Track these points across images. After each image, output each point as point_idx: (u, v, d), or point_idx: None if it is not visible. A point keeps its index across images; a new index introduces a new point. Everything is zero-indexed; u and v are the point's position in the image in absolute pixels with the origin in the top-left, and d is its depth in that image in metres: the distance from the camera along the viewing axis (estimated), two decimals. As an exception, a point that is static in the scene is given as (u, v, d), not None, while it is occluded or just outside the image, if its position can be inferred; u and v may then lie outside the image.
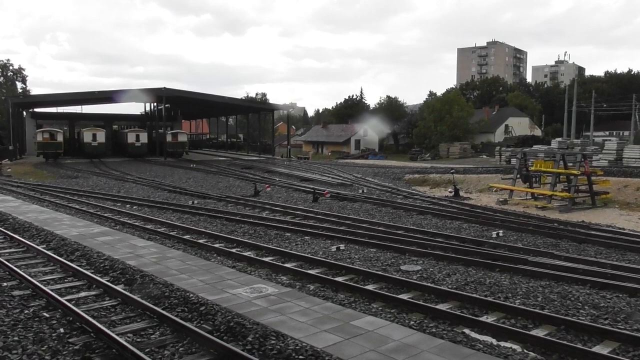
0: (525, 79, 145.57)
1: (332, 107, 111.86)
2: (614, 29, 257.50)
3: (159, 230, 16.02)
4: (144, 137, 60.70)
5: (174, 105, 69.90)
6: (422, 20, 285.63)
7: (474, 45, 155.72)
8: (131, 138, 59.96)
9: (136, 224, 17.06)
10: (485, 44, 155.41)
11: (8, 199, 22.02)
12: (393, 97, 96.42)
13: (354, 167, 45.64)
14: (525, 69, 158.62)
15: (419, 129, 78.28)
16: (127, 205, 21.68)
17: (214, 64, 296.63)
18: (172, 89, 57.63)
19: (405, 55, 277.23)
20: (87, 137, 57.90)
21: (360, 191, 26.70)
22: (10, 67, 78.89)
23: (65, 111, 69.74)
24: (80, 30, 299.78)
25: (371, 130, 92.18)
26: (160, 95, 57.13)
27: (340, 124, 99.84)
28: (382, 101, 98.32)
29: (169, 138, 61.91)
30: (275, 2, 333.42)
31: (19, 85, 79.96)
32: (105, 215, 18.82)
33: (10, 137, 56.45)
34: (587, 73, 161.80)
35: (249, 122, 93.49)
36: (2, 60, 78.45)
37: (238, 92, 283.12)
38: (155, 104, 71.17)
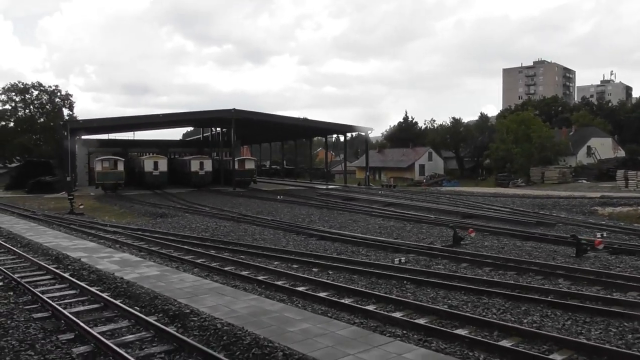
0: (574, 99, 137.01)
1: (385, 131, 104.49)
2: (636, 51, 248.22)
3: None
4: (208, 165, 53.76)
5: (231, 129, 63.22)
6: (441, 46, 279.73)
7: (520, 65, 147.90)
8: (195, 166, 53.04)
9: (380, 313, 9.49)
10: (532, 64, 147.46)
11: (131, 258, 14.68)
12: (457, 118, 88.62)
13: (468, 197, 37.72)
14: (574, 89, 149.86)
15: (497, 152, 69.99)
16: (315, 269, 14.05)
17: (236, 92, 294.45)
18: (242, 110, 50.85)
19: (425, 81, 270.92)
20: (148, 165, 51.13)
21: (600, 235, 18.66)
22: (58, 94, 73.32)
23: (117, 138, 63.51)
24: (107, 62, 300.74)
25: (435, 154, 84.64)
26: (228, 117, 50.28)
27: (397, 148, 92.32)
28: (445, 123, 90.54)
29: (235, 165, 54.93)
30: (295, 31, 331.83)
31: (66, 112, 74.22)
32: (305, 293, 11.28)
33: (65, 166, 49.95)
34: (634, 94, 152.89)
35: (287, 148, 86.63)
36: (51, 86, 72.94)
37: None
38: (217, 128, 64.73)
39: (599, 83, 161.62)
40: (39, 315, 9.59)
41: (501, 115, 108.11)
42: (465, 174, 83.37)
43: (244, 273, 13.19)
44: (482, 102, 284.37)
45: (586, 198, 31.71)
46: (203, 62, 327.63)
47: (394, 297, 10.85)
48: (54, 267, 13.42)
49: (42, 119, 72.29)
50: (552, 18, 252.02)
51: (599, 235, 18.65)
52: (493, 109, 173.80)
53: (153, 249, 16.77)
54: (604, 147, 75.94)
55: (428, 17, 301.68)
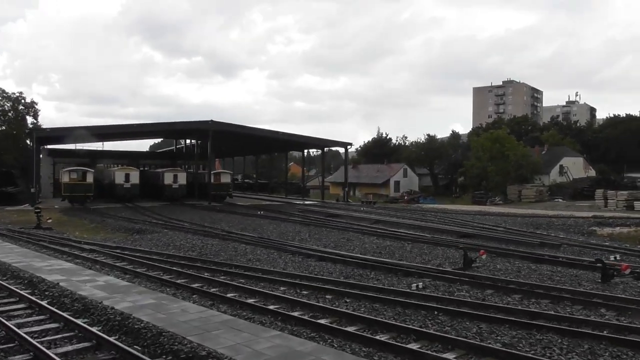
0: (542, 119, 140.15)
1: (359, 147, 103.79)
2: (598, 72, 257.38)
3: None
4: (182, 178, 51.65)
5: (206, 141, 61.21)
6: (411, 64, 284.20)
7: (490, 85, 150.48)
8: (168, 179, 50.84)
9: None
10: (501, 83, 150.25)
11: (118, 283, 12.89)
12: (432, 135, 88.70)
13: (455, 215, 36.88)
14: (542, 109, 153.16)
15: (472, 170, 69.99)
16: (329, 296, 12.50)
17: (205, 104, 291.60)
18: (220, 122, 49.11)
19: (394, 98, 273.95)
20: (119, 177, 48.69)
21: (613, 258, 17.72)
22: (22, 101, 69.72)
23: (84, 148, 60.63)
24: (72, 71, 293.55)
25: (410, 171, 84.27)
26: (206, 129, 48.42)
27: (371, 164, 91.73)
28: (419, 140, 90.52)
29: (211, 179, 52.94)
30: (266, 45, 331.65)
31: (30, 120, 70.57)
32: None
33: (29, 177, 47.04)
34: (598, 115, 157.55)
35: (259, 162, 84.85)
36: (14, 93, 69.26)
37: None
38: (191, 140, 62.59)
39: (564, 104, 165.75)
40: (18, 358, 7.81)
41: (473, 133, 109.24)
42: (439, 191, 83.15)
43: (251, 301, 11.59)
44: (450, 120, 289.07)
45: (579, 218, 31.18)
46: (172, 74, 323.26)
47: (433, 332, 9.47)
48: (28, 293, 11.53)
49: (3, 127, 68.62)
50: (517, 39, 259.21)
51: (612, 258, 17.77)
52: (461, 127, 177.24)
53: (139, 270, 14.94)
54: (575, 166, 76.98)
55: (398, 35, 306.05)
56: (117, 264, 15.80)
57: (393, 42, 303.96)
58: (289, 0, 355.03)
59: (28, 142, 70.71)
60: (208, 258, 17.66)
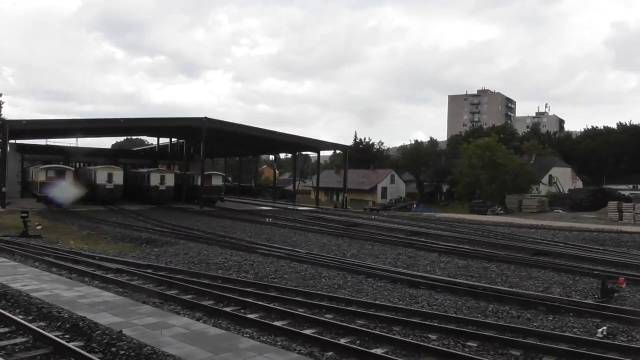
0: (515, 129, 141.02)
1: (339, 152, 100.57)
2: (555, 87, 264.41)
3: None
4: (170, 180, 47.14)
5: (192, 140, 56.77)
6: (375, 72, 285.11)
7: (465, 93, 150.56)
8: (155, 180, 46.24)
9: None
10: (476, 92, 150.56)
11: (209, 330, 9.09)
12: (420, 141, 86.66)
13: (480, 226, 34.17)
14: (514, 119, 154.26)
15: (463, 178, 67.95)
16: (474, 343, 9.11)
17: (167, 104, 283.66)
18: (214, 119, 45.04)
19: (357, 104, 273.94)
20: (100, 177, 43.78)
21: None
22: (-17, 93, 63.35)
23: (57, 144, 55.17)
24: (27, 66, 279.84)
25: (398, 177, 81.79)
26: (199, 126, 44.25)
27: (354, 169, 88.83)
28: (406, 145, 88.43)
29: (199, 181, 48.71)
30: (231, 48, 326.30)
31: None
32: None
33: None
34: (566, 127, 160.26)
35: (232, 166, 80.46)
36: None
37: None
38: (176, 139, 57.96)
39: (533, 114, 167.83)
40: None
41: (453, 141, 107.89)
42: (424, 199, 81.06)
43: (380, 352, 8.16)
44: (412, 128, 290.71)
45: (624, 232, 28.84)
46: (133, 72, 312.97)
47: None
48: (86, 352, 7.64)
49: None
50: (479, 51, 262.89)
51: None
52: (423, 135, 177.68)
53: (207, 304, 11.12)
54: (564, 177, 76.25)
55: (362, 43, 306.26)
56: (170, 294, 11.91)
57: (358, 50, 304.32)
58: (255, 4, 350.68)
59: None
60: (273, 283, 13.93)
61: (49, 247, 19.71)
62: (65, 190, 39.89)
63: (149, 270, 14.96)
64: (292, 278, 14.70)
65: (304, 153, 65.99)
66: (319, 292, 12.79)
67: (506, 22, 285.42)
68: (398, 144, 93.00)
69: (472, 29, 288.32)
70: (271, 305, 11.11)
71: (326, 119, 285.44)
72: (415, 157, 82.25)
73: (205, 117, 44.21)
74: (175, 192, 48.21)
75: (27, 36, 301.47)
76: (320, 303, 11.60)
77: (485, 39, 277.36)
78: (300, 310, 10.90)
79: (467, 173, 68.23)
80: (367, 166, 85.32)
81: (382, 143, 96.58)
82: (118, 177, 44.57)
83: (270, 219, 34.49)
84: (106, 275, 13.80)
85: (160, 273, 14.51)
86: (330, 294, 12.75)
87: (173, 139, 61.77)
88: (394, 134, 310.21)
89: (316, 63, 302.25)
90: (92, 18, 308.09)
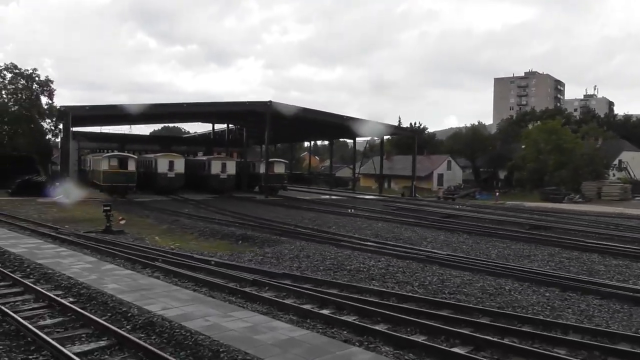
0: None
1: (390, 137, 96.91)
2: (592, 69, 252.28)
3: None
4: (231, 167, 44.59)
5: (248, 126, 54.10)
6: (406, 57, 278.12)
7: (512, 76, 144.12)
8: (215, 168, 43.78)
9: None
10: (523, 74, 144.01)
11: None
12: (479, 123, 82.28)
13: (579, 217, 30.40)
14: (564, 102, 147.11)
15: (529, 163, 63.53)
16: None
17: (199, 92, 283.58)
18: (279, 103, 42.18)
19: (389, 90, 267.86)
20: (161, 165, 41.49)
21: None
22: (36, 79, 61.86)
23: (113, 132, 53.37)
24: (64, 57, 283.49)
25: (455, 163, 77.82)
26: (262, 110, 41.44)
27: (404, 155, 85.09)
28: (462, 128, 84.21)
29: (262, 169, 46.10)
30: (261, 35, 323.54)
31: (44, 100, 62.83)
32: None
33: (46, 163, 39.74)
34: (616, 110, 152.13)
35: (273, 153, 77.31)
36: (28, 70, 61.43)
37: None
38: (227, 125, 55.45)
39: (581, 97, 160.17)
40: None
41: (506, 124, 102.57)
42: (480, 186, 76.95)
43: None
44: (444, 113, 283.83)
45: None
46: (166, 61, 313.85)
47: None
48: None
49: (15, 107, 60.82)
50: (513, 34, 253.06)
51: None
52: (456, 120, 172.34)
53: (421, 340, 8.14)
54: (634, 162, 71.00)
55: (393, 28, 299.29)
56: (371, 326, 8.96)
57: (389, 35, 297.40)
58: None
59: (45, 124, 63.40)
60: (461, 301, 10.85)
61: (143, 246, 17.14)
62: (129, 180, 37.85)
63: (287, 281, 12.10)
64: (471, 292, 11.59)
65: (364, 138, 62.56)
66: (550, 320, 9.62)
67: (542, 2, 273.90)
68: (430, 130, 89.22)
69: (506, 11, 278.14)
70: (507, 342, 8.04)
71: (357, 105, 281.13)
72: (472, 141, 77.97)
73: (270, 101, 41.44)
74: (236, 180, 45.78)
75: (63, 28, 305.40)
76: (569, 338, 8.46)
77: (520, 21, 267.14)
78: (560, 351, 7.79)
79: (532, 158, 63.94)
80: (420, 152, 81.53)
81: (426, 128, 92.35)
82: (179, 165, 42.25)
83: (353, 210, 31.48)
84: (248, 291, 10.96)
85: (306, 286, 11.59)
86: (569, 323, 9.54)
87: (216, 125, 59.21)
88: (425, 119, 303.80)
89: (347, 49, 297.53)
90: (126, 8, 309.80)
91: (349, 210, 31.20)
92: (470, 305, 10.30)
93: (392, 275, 13.13)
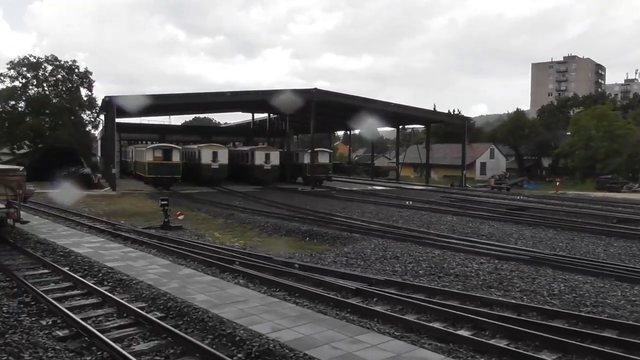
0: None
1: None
2: (628, 53, 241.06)
3: None
4: (275, 158, 43.11)
5: (288, 114, 52.37)
6: (435, 43, 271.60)
7: (550, 60, 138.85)
8: (259, 158, 42.40)
9: None
10: (562, 59, 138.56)
11: None
12: (517, 110, 78.96)
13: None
14: (605, 87, 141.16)
15: (581, 151, 60.28)
16: None
17: (228, 83, 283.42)
18: (325, 90, 40.48)
19: (417, 78, 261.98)
20: (205, 156, 40.32)
21: None
22: (76, 70, 61.50)
23: (152, 123, 52.50)
24: (96, 50, 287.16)
25: (498, 151, 74.94)
26: (307, 99, 39.74)
27: (443, 143, 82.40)
28: (503, 115, 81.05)
29: (306, 159, 44.51)
30: (288, 25, 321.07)
31: (84, 92, 62.52)
32: None
33: (88, 155, 38.83)
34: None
35: (306, 142, 75.03)
36: (67, 62, 61.13)
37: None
38: (269, 114, 53.98)
39: (622, 82, 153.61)
40: None
41: (544, 111, 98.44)
42: (524, 174, 73.95)
43: None
44: (474, 100, 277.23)
45: None
46: (195, 53, 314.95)
47: None
48: None
49: (56, 99, 60.63)
50: (545, 19, 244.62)
51: None
52: (486, 108, 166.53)
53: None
54: (690, 149, 66.86)
55: (421, 14, 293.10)
56: (514, 349, 7.23)
57: (416, 21, 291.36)
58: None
59: (85, 116, 63.13)
60: (613, 317, 9.02)
61: (212, 245, 15.74)
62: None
63: (392, 290, 10.43)
64: (617, 304, 9.71)
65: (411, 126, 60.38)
66: None
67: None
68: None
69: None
70: None
71: (386, 94, 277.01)
72: (515, 128, 74.75)
73: (315, 88, 39.72)
74: (279, 171, 44.37)
75: (96, 22, 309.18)
76: None
77: (552, 5, 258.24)
78: None
79: (581, 145, 60.75)
80: (455, 140, 78.76)
81: (520, 112, 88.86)
82: (223, 156, 41.02)
83: (411, 202, 29.62)
84: (355, 303, 9.34)
85: (417, 296, 9.91)
86: None
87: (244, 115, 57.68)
88: (455, 107, 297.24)
89: (374, 37, 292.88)
90: (155, 1, 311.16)
91: (407, 203, 29.35)
92: (636, 324, 8.45)
93: (509, 281, 11.33)
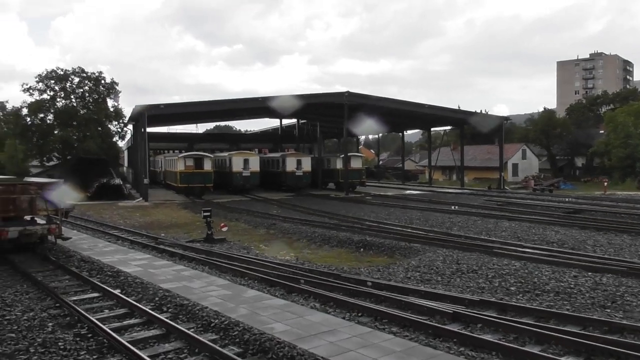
0: None
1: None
2: None
3: None
4: (306, 164, 41.90)
5: (318, 119, 51.22)
6: (452, 45, 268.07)
7: (576, 58, 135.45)
8: (291, 165, 41.22)
9: None
10: (588, 56, 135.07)
11: None
12: (544, 109, 76.60)
13: None
14: (633, 83, 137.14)
15: (619, 150, 57.78)
16: None
17: (246, 91, 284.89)
18: (357, 93, 39.18)
19: (435, 81, 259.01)
20: (236, 164, 39.27)
21: None
22: (102, 82, 61.22)
23: (180, 131, 51.76)
24: (117, 62, 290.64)
25: (530, 152, 72.70)
26: (340, 102, 38.51)
27: (470, 145, 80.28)
28: (534, 114, 78.75)
29: (338, 164, 43.28)
30: (305, 31, 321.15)
31: (110, 102, 62.15)
32: None
33: (116, 165, 37.99)
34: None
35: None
36: (94, 73, 60.85)
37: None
38: (298, 119, 52.88)
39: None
40: None
41: (573, 109, 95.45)
42: (556, 175, 71.52)
43: None
44: (494, 101, 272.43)
45: None
46: (213, 62, 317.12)
47: None
48: None
49: (83, 111, 60.38)
50: (563, 17, 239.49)
51: None
52: (506, 109, 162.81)
53: None
54: None
55: (438, 17, 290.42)
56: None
57: (433, 24, 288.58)
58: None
59: (112, 126, 62.74)
60: None
61: (266, 260, 14.50)
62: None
63: (490, 312, 9.01)
64: None
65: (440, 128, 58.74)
66: None
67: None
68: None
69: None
70: None
71: (404, 97, 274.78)
72: (547, 128, 72.44)
73: (348, 92, 38.44)
74: (312, 177, 43.19)
75: (116, 34, 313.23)
76: None
77: (569, 4, 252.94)
78: None
79: (618, 144, 58.28)
80: (485, 141, 76.69)
81: (549, 110, 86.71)
82: (254, 163, 39.97)
83: (456, 207, 28.08)
84: (457, 330, 7.94)
85: (524, 320, 8.47)
86: None
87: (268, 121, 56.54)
88: (473, 108, 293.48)
89: (391, 41, 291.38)
90: (174, 12, 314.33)
91: (453, 207, 27.81)
92: None
93: (623, 300, 9.81)
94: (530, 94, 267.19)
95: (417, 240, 17.10)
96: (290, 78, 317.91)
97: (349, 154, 42.49)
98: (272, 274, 12.07)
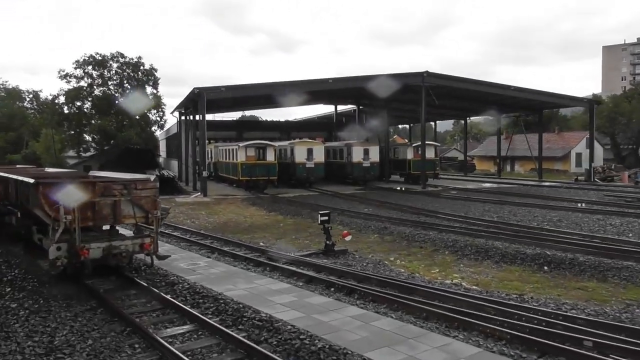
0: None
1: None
2: None
3: None
4: (374, 154, 37.33)
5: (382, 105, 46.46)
6: (475, 34, 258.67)
7: (623, 43, 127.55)
8: (357, 155, 36.74)
9: None
10: (636, 40, 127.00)
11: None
12: (594, 95, 70.56)
13: None
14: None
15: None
16: None
17: (267, 81, 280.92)
18: (438, 74, 34.40)
19: (461, 69, 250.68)
20: (299, 154, 34.96)
21: None
22: (141, 67, 57.48)
23: (230, 119, 47.66)
24: (145, 55, 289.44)
25: (596, 141, 66.85)
26: (416, 83, 33.82)
27: (522, 133, 74.57)
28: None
29: (409, 154, 38.78)
30: (326, 20, 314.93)
31: (149, 89, 58.41)
32: None
33: (198, 156, 33.67)
34: None
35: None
36: (133, 59, 57.13)
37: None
38: (353, 106, 48.34)
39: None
40: None
41: (630, 96, 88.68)
42: (627, 164, 65.57)
43: None
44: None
45: None
46: (236, 52, 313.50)
47: None
48: None
49: (122, 98, 56.74)
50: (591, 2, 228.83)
51: None
52: None
53: None
54: None
55: (463, 3, 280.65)
56: None
57: (458, 11, 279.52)
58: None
59: (151, 115, 59.02)
60: None
61: (424, 285, 10.11)
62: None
63: None
64: None
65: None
66: None
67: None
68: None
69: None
70: None
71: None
72: (614, 114, 66.40)
73: (427, 72, 33.75)
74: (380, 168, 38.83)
75: (143, 27, 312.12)
76: None
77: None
78: None
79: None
80: (538, 129, 70.83)
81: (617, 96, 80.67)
82: (319, 154, 35.63)
83: (583, 205, 23.36)
84: None
85: None
86: None
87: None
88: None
89: (415, 29, 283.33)
90: (198, 3, 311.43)
91: (579, 205, 23.09)
92: None
93: None
94: (565, 82, 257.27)
95: (623, 256, 12.54)
96: (311, 67, 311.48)
97: (418, 143, 37.85)
98: (454, 309, 7.66)
